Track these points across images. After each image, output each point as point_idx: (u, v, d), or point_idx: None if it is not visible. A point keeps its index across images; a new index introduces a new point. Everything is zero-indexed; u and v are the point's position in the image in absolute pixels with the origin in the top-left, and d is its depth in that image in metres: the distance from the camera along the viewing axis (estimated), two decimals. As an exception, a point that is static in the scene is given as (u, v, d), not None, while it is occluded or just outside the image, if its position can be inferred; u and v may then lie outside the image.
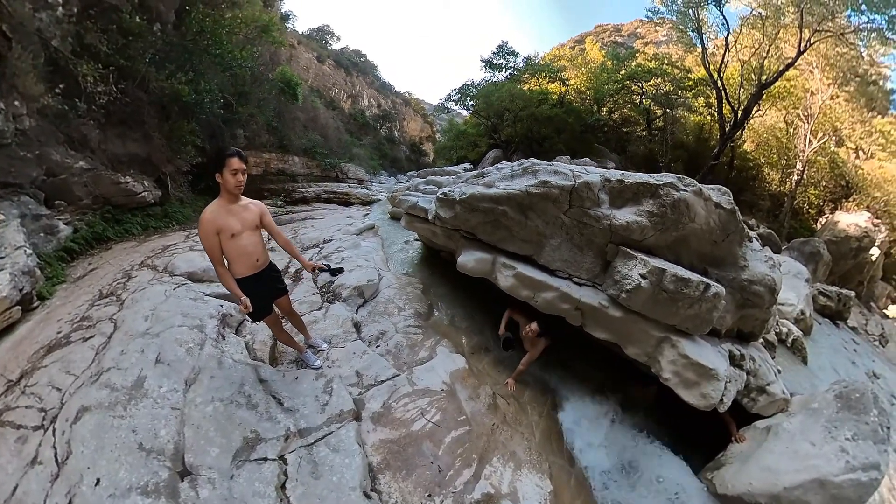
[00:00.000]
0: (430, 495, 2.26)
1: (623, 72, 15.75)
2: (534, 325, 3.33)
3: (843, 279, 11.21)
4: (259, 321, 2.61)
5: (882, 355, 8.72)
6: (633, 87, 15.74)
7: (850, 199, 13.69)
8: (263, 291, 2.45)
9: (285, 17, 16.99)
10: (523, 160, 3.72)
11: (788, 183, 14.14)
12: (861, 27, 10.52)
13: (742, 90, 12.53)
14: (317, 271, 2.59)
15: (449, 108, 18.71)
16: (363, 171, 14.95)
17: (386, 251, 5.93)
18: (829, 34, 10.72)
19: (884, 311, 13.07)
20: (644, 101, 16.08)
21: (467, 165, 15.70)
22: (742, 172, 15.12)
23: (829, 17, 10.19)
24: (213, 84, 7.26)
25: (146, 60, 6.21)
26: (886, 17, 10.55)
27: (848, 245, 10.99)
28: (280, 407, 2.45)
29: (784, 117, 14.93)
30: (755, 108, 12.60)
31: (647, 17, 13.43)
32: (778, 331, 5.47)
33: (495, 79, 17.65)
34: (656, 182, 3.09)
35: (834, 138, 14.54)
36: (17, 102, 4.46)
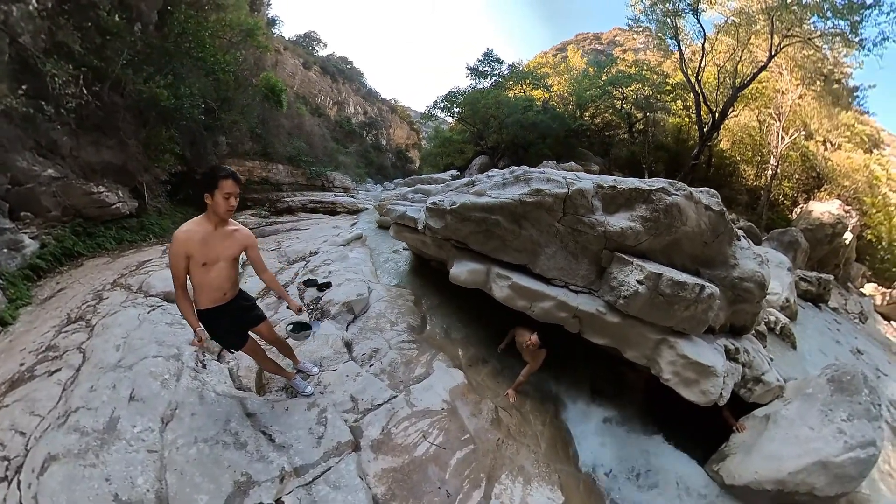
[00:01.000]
0: (438, 524, 2.13)
1: (605, 78, 16.11)
2: (534, 338, 3.26)
3: (820, 264, 11.75)
4: (235, 351, 2.42)
5: (863, 332, 9.25)
6: (615, 93, 16.11)
7: (822, 189, 14.37)
8: (227, 324, 2.21)
9: (272, 23, 16.69)
10: (514, 168, 3.69)
11: (764, 177, 14.72)
12: (826, 32, 11.05)
13: (719, 93, 12.97)
14: (302, 311, 2.45)
15: (435, 115, 18.69)
16: (349, 180, 14.73)
17: (375, 262, 5.79)
18: (797, 39, 11.23)
19: (860, 289, 13.82)
20: (625, 105, 16.47)
21: (454, 172, 15.71)
22: (720, 170, 15.68)
23: (798, 24, 10.67)
24: (194, 89, 6.97)
25: (123, 62, 5.89)
26: (849, 23, 11.20)
27: (823, 232, 11.57)
28: (272, 444, 2.26)
29: (757, 116, 15.63)
30: (731, 110, 13.05)
31: (628, 26, 13.76)
32: (766, 320, 5.59)
33: (481, 86, 17.80)
34: (648, 187, 3.09)
35: (804, 133, 15.29)
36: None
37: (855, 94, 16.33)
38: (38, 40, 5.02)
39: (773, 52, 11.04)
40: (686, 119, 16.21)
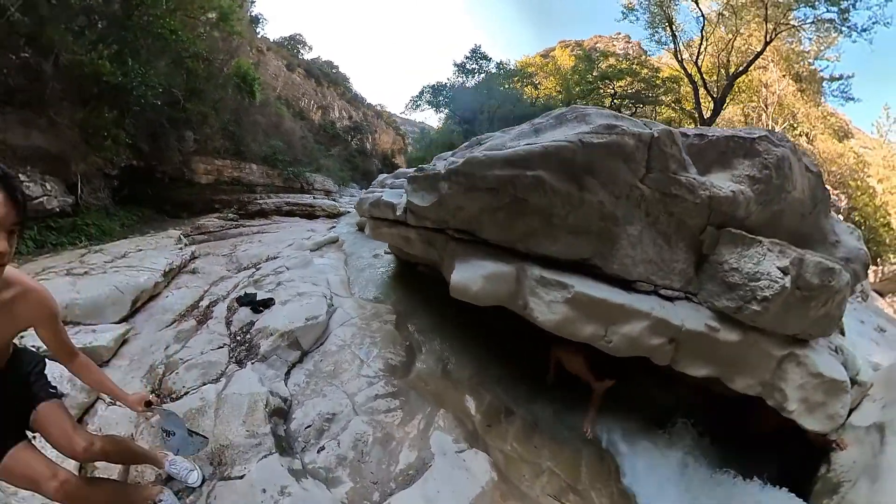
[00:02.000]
0: None
1: (595, 73, 15.85)
2: (608, 383, 2.49)
3: (813, 248, 11.80)
4: None
5: (870, 309, 9.15)
6: (605, 89, 15.87)
7: (811, 175, 14.99)
8: None
9: (255, 20, 15.86)
10: (554, 110, 2.56)
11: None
12: (819, 18, 11.01)
13: (715, 84, 12.81)
14: (152, 409, 1.51)
15: (421, 106, 18.10)
16: (331, 183, 13.85)
17: (350, 269, 4.63)
18: (791, 26, 11.14)
19: (854, 269, 14.23)
20: (615, 101, 16.21)
21: (445, 170, 15.08)
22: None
23: (792, 9, 10.58)
24: (151, 71, 5.91)
25: (61, 26, 4.82)
26: (838, 10, 11.31)
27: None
28: None
29: (742, 110, 15.87)
30: (728, 98, 12.98)
31: (623, 14, 13.60)
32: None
33: (469, 84, 17.38)
34: (748, 135, 2.23)
35: (792, 123, 15.51)
36: None
37: (836, 83, 16.82)
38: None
39: (769, 39, 10.86)
40: (676, 112, 16.11)
